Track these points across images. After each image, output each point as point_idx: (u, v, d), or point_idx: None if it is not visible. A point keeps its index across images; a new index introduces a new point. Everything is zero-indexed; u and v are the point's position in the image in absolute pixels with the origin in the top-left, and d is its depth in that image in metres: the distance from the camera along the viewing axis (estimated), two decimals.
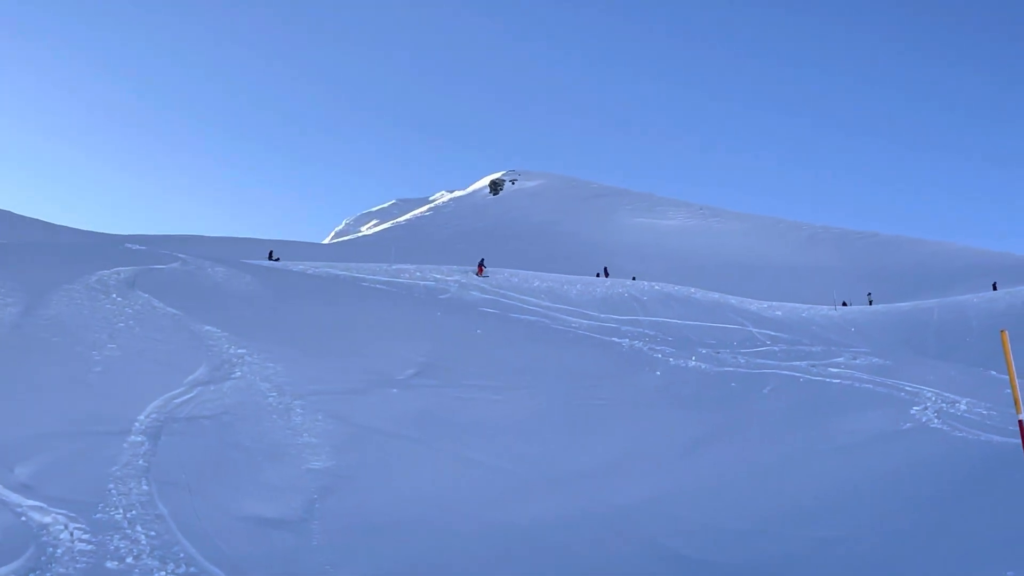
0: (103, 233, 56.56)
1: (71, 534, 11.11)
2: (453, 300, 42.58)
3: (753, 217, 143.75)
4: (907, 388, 21.44)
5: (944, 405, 19.83)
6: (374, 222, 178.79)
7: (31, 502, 11.87)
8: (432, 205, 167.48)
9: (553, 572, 12.17)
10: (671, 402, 21.75)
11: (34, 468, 12.99)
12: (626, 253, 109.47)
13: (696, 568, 12.37)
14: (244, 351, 20.93)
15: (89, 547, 10.82)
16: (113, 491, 12.74)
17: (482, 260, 46.33)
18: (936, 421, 18.68)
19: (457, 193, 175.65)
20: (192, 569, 10.70)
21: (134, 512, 12.14)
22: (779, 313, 55.25)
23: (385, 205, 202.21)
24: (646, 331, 39.42)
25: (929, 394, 20.76)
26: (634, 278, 63.25)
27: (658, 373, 24.73)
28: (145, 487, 13.05)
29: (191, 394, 17.69)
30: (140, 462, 13.93)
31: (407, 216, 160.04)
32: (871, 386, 21.85)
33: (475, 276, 47.68)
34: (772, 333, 44.83)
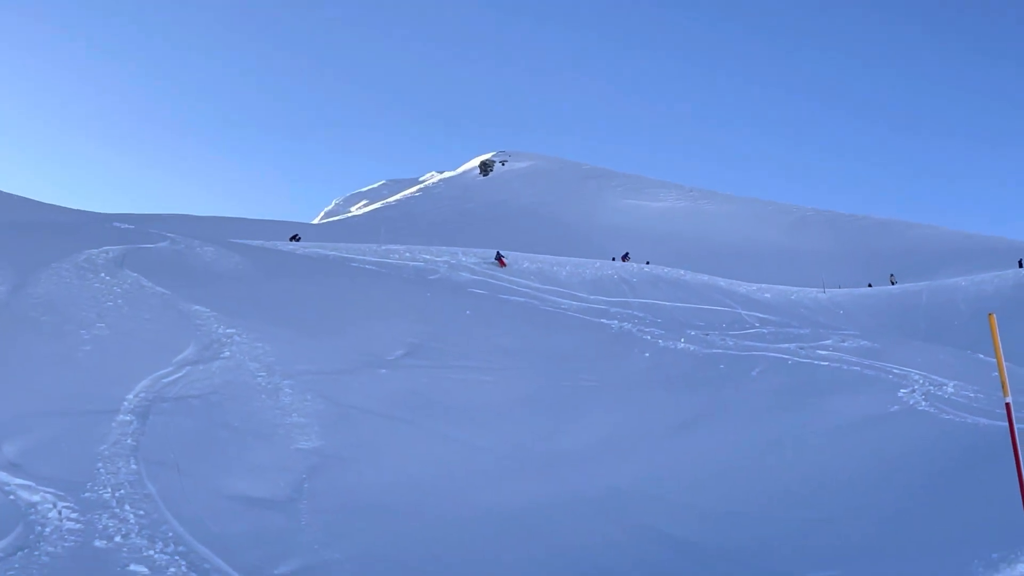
0: (91, 212, 56.35)
1: (59, 513, 11.10)
2: (443, 281, 42.55)
3: (743, 199, 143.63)
4: (895, 371, 21.50)
5: (932, 388, 19.89)
6: (364, 202, 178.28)
7: (19, 481, 11.86)
8: (422, 186, 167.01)
9: (542, 553, 12.21)
10: (660, 384, 21.79)
11: (22, 447, 12.97)
12: (615, 234, 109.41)
13: (685, 549, 12.42)
14: (233, 331, 20.89)
15: (77, 526, 10.82)
16: (101, 470, 12.73)
17: (499, 253, 46.09)
18: (924, 404, 18.74)
19: (447, 174, 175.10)
20: (181, 548, 10.70)
21: (122, 491, 12.14)
22: (768, 295, 55.32)
23: (375, 185, 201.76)
24: (635, 313, 39.46)
25: (917, 377, 20.82)
26: (648, 263, 63.18)
27: (647, 355, 24.77)
28: (133, 466, 13.04)
29: (180, 373, 17.66)
30: (129, 441, 13.92)
31: (397, 197, 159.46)
32: (859, 368, 21.91)
33: (498, 268, 47.04)
34: (761, 315, 44.87)
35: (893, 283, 65.19)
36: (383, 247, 51.52)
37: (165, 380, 17.15)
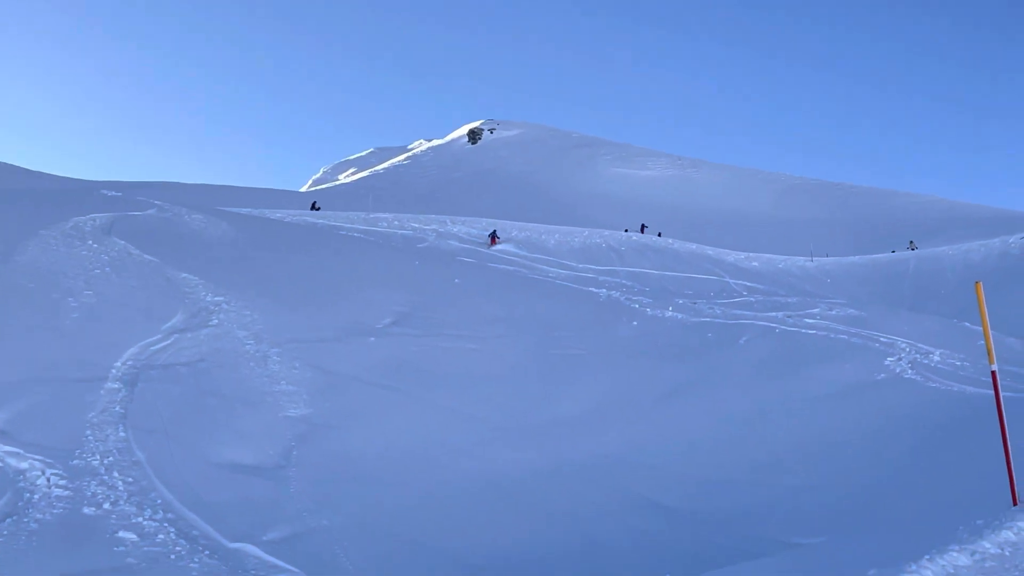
0: (78, 179, 55.97)
1: (48, 480, 11.11)
2: (431, 249, 42.49)
3: (731, 168, 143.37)
4: (882, 339, 21.58)
5: (918, 356, 19.98)
6: (352, 170, 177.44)
7: (7, 448, 11.84)
8: (410, 154, 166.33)
9: (529, 520, 12.27)
10: (648, 352, 21.83)
11: (10, 414, 12.95)
12: (604, 203, 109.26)
13: (672, 516, 12.49)
14: (221, 299, 20.87)
15: (66, 493, 10.82)
16: (90, 437, 12.72)
17: (494, 231, 45.72)
18: (910, 372, 18.83)
19: (435, 142, 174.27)
20: (169, 515, 10.72)
21: (111, 458, 12.14)
22: (756, 264, 55.35)
23: (363, 153, 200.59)
24: (623, 281, 39.45)
25: (903, 345, 20.90)
26: (660, 234, 62.95)
27: (635, 323, 24.80)
28: (122, 433, 13.04)
29: (168, 341, 17.64)
30: (117, 409, 13.92)
31: (385, 165, 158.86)
32: (846, 337, 21.98)
33: (488, 247, 46.50)
34: (749, 284, 44.91)
35: (913, 249, 65.08)
36: (371, 215, 51.38)
37: (153, 348, 17.13)
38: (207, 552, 9.81)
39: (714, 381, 19.36)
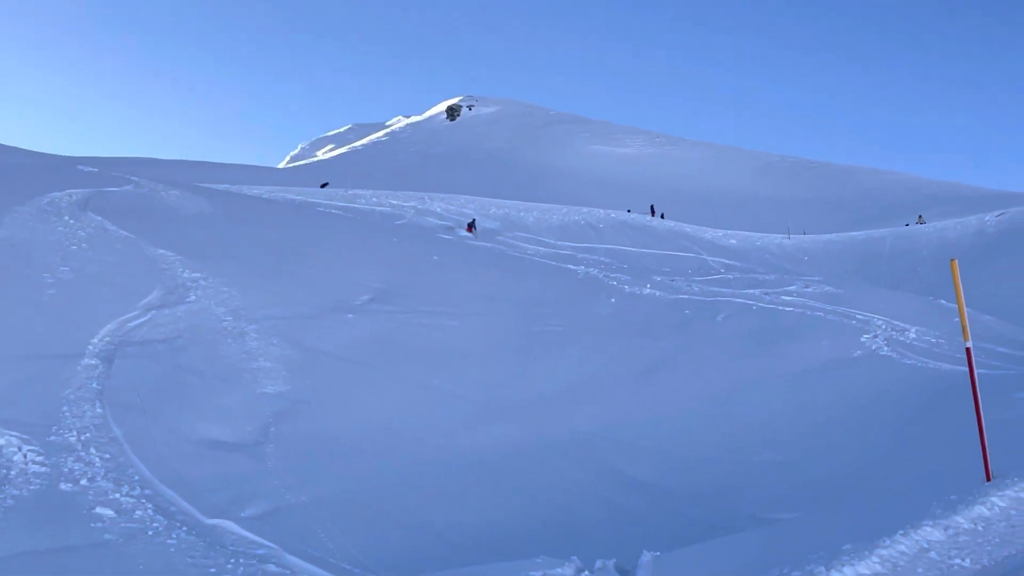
0: (54, 155, 55.43)
1: (24, 456, 11.06)
2: (409, 226, 42.40)
3: (710, 145, 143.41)
4: (858, 316, 21.69)
5: (894, 333, 20.10)
6: (330, 147, 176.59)
7: None
8: (388, 130, 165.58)
9: (509, 496, 12.31)
10: (626, 329, 21.89)
11: None
12: (583, 180, 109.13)
13: (650, 492, 12.56)
14: (199, 275, 20.78)
15: (43, 469, 10.78)
16: (67, 414, 12.68)
17: (473, 220, 45.35)
18: (886, 349, 18.95)
19: (414, 118, 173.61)
20: (147, 491, 10.70)
21: (88, 435, 12.11)
22: (734, 241, 55.52)
23: (341, 130, 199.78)
24: (602, 259, 39.52)
25: (879, 322, 21.02)
26: (663, 216, 62.97)
27: (613, 300, 24.85)
28: (99, 410, 13.00)
29: (145, 318, 17.56)
30: (94, 385, 13.87)
31: (363, 141, 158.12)
32: (823, 314, 22.09)
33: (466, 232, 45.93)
34: (726, 261, 45.03)
35: (922, 223, 65.15)
36: (349, 192, 51.22)
37: (130, 324, 17.06)
38: (185, 528, 9.80)
39: (692, 358, 19.44)
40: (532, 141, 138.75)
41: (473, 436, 14.76)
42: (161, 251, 22.22)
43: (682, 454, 14.09)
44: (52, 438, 11.77)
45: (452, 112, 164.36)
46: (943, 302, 24.25)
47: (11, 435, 11.57)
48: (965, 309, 9.10)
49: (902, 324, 20.82)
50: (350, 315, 20.36)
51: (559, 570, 7.03)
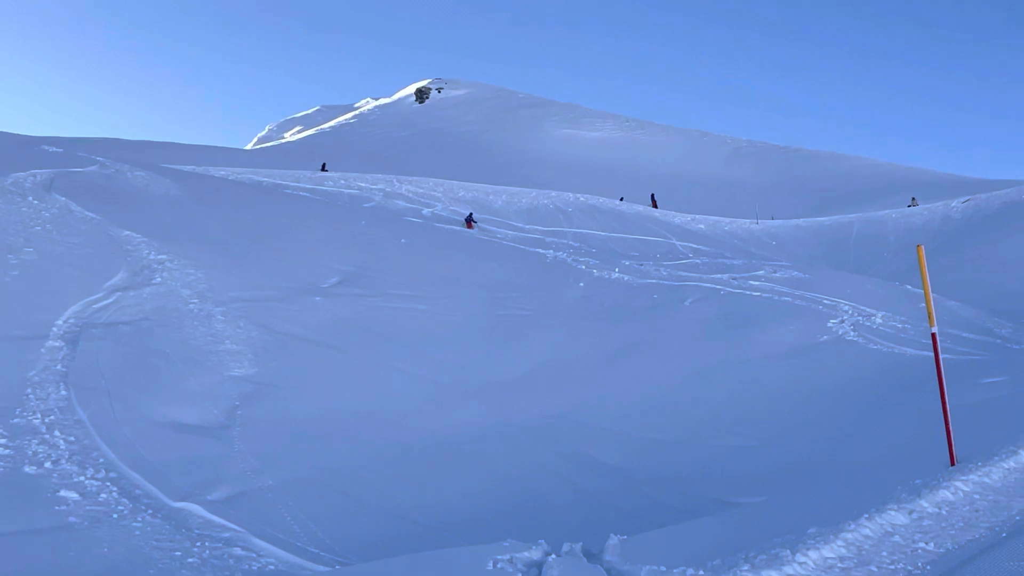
0: (17, 134, 54.78)
1: None
2: (377, 209, 42.28)
3: (679, 130, 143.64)
4: (825, 301, 21.81)
5: (860, 318, 20.23)
6: (298, 128, 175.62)
7: None
8: (357, 112, 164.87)
9: (475, 479, 12.32)
10: (594, 313, 21.93)
11: None
12: (551, 164, 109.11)
13: (616, 476, 12.60)
14: (165, 257, 20.63)
15: (6, 452, 10.68)
16: (31, 396, 12.56)
17: (470, 215, 44.71)
18: (852, 334, 19.08)
19: (382, 100, 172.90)
20: (112, 474, 10.63)
21: (52, 417, 12.01)
22: (702, 226, 55.64)
23: (309, 111, 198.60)
24: (570, 243, 39.58)
25: (846, 307, 21.14)
26: (655, 204, 63.04)
27: (581, 284, 24.87)
28: (63, 392, 12.90)
29: (110, 299, 17.43)
30: (58, 367, 13.75)
31: (331, 123, 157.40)
32: (790, 299, 22.19)
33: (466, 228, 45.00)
34: (695, 246, 45.18)
35: (915, 204, 65.47)
36: (317, 174, 51.02)
37: (95, 306, 16.91)
38: (150, 511, 9.75)
39: (660, 342, 19.49)
40: (501, 124, 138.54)
41: (441, 419, 14.76)
42: (127, 232, 22.03)
43: (649, 438, 14.15)
44: (16, 420, 11.66)
45: (421, 95, 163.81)
46: (909, 287, 24.41)
47: None
48: (931, 295, 9.16)
49: (869, 309, 20.96)
50: (318, 298, 20.29)
51: (526, 553, 7.03)
